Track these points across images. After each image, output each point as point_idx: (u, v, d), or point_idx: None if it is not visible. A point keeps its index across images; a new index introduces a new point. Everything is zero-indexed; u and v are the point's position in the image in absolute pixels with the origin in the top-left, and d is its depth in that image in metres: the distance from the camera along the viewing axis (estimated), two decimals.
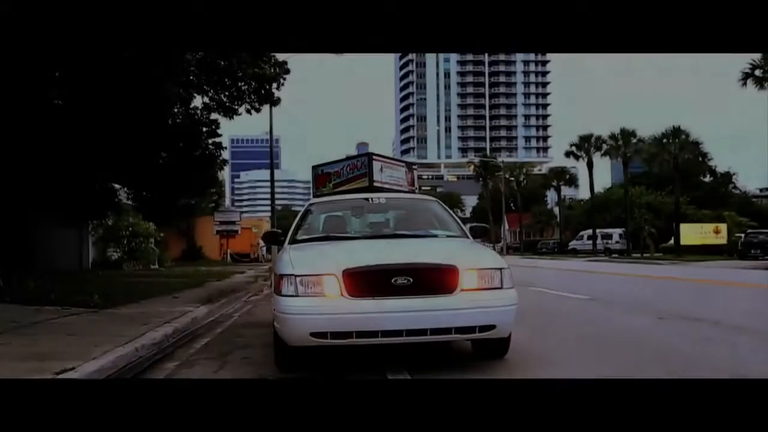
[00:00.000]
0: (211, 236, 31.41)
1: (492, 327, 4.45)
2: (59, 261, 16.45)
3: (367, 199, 6.24)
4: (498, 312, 4.47)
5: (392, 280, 4.31)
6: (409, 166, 7.84)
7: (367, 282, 4.34)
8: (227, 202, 64.30)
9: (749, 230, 35.55)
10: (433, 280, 4.41)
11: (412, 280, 4.33)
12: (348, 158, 7.29)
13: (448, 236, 5.59)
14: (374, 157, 6.97)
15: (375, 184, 6.85)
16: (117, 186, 16.18)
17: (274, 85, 13.63)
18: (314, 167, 7.82)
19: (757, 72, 25.72)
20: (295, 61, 14.32)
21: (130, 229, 21.98)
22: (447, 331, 4.38)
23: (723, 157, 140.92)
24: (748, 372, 4.48)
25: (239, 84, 13.41)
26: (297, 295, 4.40)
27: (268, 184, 27.94)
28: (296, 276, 4.44)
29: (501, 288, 4.55)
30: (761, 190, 65.44)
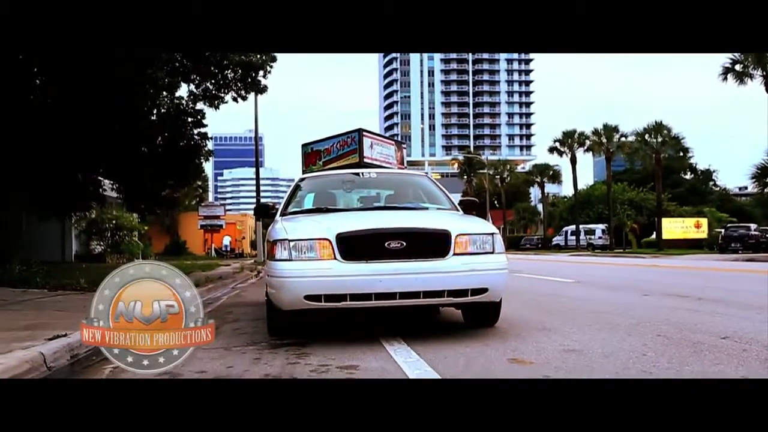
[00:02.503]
0: (195, 231, 31.34)
1: (484, 290, 4.51)
2: (42, 253, 16.21)
3: (357, 174, 6.27)
4: (490, 275, 4.53)
5: (386, 244, 4.35)
6: (399, 144, 7.87)
7: (361, 246, 4.38)
8: (210, 198, 63.89)
9: (729, 224, 36.16)
10: (426, 244, 4.46)
11: (405, 243, 4.37)
12: (338, 135, 7.28)
13: (438, 209, 5.64)
14: (364, 133, 6.97)
15: (365, 160, 6.86)
16: (101, 178, 16.01)
17: (261, 72, 13.58)
18: (304, 146, 7.80)
19: (738, 67, 26.07)
20: (278, 58, 14.23)
21: (114, 222, 21.80)
22: (440, 294, 4.43)
23: (704, 155, 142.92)
24: (732, 334, 4.58)
25: (225, 72, 13.36)
26: (291, 260, 4.42)
27: (251, 181, 27.92)
28: (290, 240, 4.46)
29: (493, 252, 4.61)
30: (740, 188, 66.41)
